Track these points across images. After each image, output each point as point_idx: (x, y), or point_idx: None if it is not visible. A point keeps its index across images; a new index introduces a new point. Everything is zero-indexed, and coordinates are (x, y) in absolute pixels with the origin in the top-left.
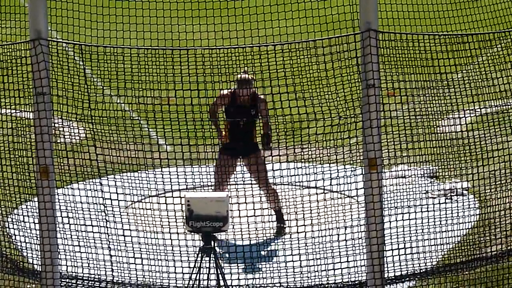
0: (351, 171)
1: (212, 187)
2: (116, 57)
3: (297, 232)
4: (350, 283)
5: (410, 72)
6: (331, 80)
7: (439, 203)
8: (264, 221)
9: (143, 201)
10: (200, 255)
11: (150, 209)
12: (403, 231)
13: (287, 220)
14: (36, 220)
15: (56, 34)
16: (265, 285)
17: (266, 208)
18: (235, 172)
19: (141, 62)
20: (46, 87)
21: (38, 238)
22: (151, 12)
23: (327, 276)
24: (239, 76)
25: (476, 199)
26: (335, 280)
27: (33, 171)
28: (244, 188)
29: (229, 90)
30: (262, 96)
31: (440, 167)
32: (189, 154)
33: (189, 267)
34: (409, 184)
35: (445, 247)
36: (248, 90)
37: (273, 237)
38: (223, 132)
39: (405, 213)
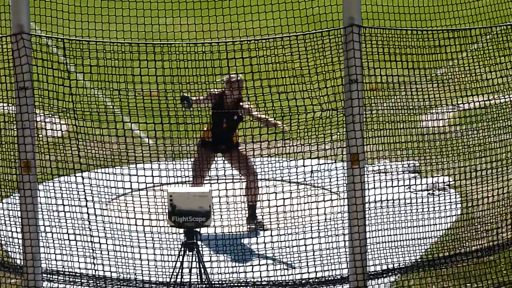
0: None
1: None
2: (98, 52)
3: (278, 228)
4: (332, 278)
5: (392, 67)
6: (313, 76)
7: (422, 198)
8: (246, 216)
9: (125, 195)
10: (182, 250)
11: (132, 203)
12: (386, 226)
13: (261, 214)
14: (18, 215)
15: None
16: (248, 280)
17: (244, 202)
18: (212, 166)
19: (124, 56)
20: (28, 82)
21: (20, 233)
22: (135, 5)
23: (308, 271)
24: (227, 77)
25: (458, 194)
26: (316, 275)
27: (14, 165)
28: (226, 182)
29: (219, 91)
30: (246, 106)
31: (422, 162)
32: (171, 148)
33: (171, 261)
34: (391, 179)
35: (427, 242)
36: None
37: (256, 232)
38: (205, 128)
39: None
